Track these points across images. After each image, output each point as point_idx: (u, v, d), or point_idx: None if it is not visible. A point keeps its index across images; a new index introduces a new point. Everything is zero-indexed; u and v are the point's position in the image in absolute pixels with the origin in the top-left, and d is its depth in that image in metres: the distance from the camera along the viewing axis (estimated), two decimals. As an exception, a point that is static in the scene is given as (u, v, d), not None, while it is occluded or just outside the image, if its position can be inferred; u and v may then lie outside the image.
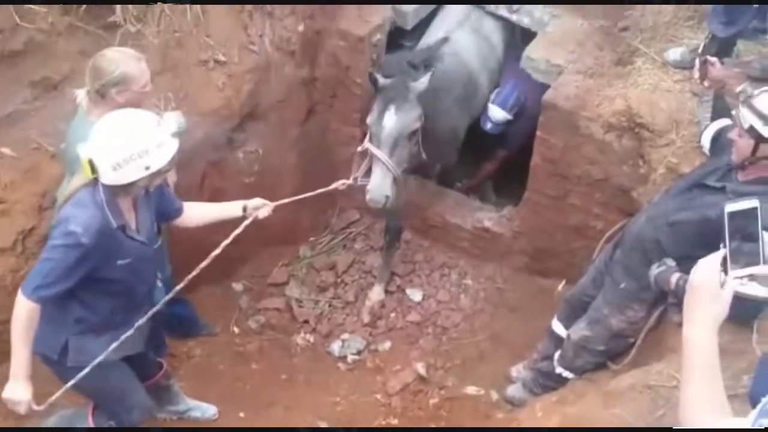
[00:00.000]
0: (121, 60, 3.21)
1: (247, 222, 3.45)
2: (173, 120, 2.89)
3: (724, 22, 3.89)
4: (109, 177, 2.78)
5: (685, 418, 1.69)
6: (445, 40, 4.42)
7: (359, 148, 4.02)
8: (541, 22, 4.84)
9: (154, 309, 3.23)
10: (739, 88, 3.14)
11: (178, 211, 3.34)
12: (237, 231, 3.41)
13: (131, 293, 3.14)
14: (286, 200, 3.65)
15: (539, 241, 4.88)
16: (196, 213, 3.42)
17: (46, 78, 3.91)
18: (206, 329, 4.70)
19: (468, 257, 5.23)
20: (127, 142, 2.76)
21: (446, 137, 4.54)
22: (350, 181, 3.89)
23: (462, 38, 4.67)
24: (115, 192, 2.86)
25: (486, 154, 5.43)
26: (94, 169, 2.76)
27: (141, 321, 3.17)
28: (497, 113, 4.85)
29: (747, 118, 2.92)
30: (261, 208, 3.45)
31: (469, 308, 5.00)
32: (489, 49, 4.88)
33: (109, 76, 3.16)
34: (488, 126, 4.94)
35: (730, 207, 1.70)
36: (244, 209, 3.44)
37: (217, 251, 3.34)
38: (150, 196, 3.09)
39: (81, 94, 3.30)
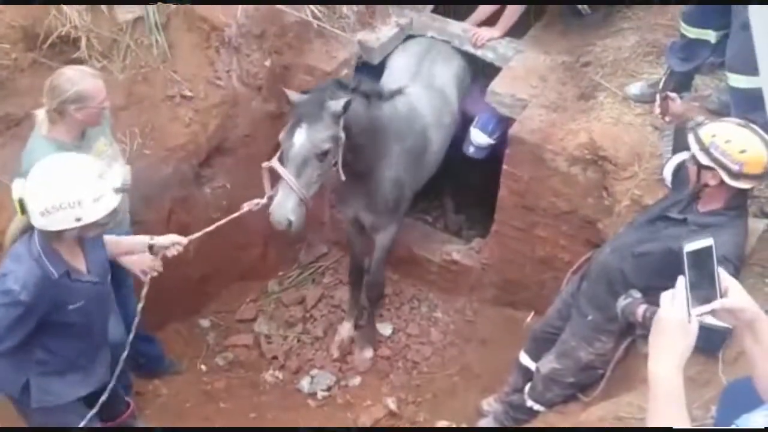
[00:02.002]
0: (77, 78, 3.27)
1: (147, 277, 3.33)
2: (119, 175, 2.81)
3: (681, 57, 3.99)
4: (37, 221, 2.70)
5: None
6: (400, 90, 4.21)
7: (264, 164, 3.70)
8: (504, 57, 4.92)
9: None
10: (698, 120, 3.23)
11: None
12: (149, 278, 3.32)
13: (89, 332, 3.08)
14: (200, 233, 3.50)
15: (508, 273, 4.90)
16: (110, 244, 3.28)
17: (8, 114, 3.89)
18: (173, 367, 4.62)
19: (437, 290, 5.24)
20: (61, 190, 2.67)
21: (389, 187, 4.25)
22: (264, 201, 3.66)
23: (415, 92, 4.50)
24: (48, 237, 2.77)
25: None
26: (23, 210, 2.69)
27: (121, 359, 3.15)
28: (479, 137, 4.81)
29: (691, 144, 3.06)
30: (170, 245, 3.32)
31: (440, 342, 4.99)
32: (443, 104, 4.69)
33: (66, 93, 3.22)
34: (471, 150, 4.87)
35: (688, 247, 1.74)
36: (151, 247, 3.32)
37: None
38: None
39: (41, 114, 3.33)
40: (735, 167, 2.95)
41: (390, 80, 4.66)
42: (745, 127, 3.03)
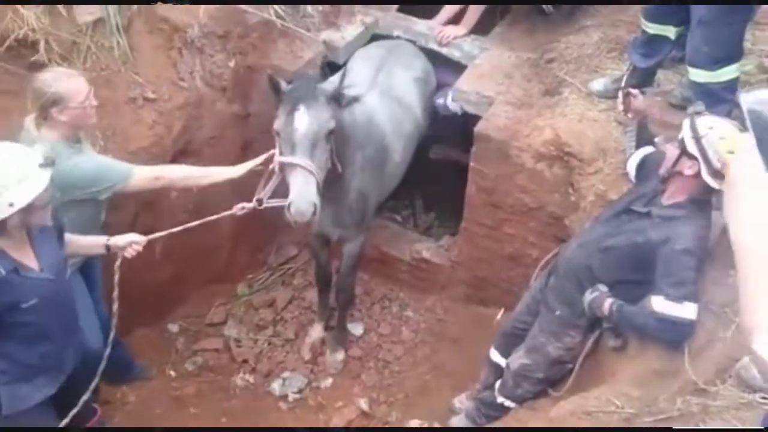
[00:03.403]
0: (53, 79, 3.27)
1: (117, 263, 3.31)
2: (41, 150, 2.77)
3: (643, 53, 4.04)
4: None
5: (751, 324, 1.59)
6: (356, 99, 3.98)
7: (272, 166, 3.55)
8: (470, 54, 4.94)
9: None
10: (693, 107, 3.23)
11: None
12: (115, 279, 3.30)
13: (49, 334, 3.00)
14: (164, 233, 3.44)
15: (477, 271, 4.92)
16: (66, 244, 3.24)
17: (-35, 118, 3.78)
18: (141, 373, 4.55)
19: (408, 289, 5.24)
20: None
21: (354, 197, 4.14)
22: (252, 204, 3.53)
23: (372, 101, 4.33)
24: None
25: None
26: None
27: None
28: (453, 105, 4.74)
29: (684, 128, 3.09)
30: (126, 245, 3.29)
31: (411, 340, 4.98)
32: (403, 112, 4.54)
33: (45, 96, 3.22)
34: (448, 106, 4.75)
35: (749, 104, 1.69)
36: (107, 248, 3.29)
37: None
38: (52, 229, 2.97)
39: (29, 120, 3.32)
40: (717, 164, 2.98)
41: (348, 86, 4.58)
42: (741, 132, 3.06)
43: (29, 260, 2.87)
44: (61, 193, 3.28)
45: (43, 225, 2.89)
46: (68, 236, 3.17)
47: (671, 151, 3.15)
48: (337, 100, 3.61)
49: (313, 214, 3.43)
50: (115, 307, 3.37)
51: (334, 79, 4.15)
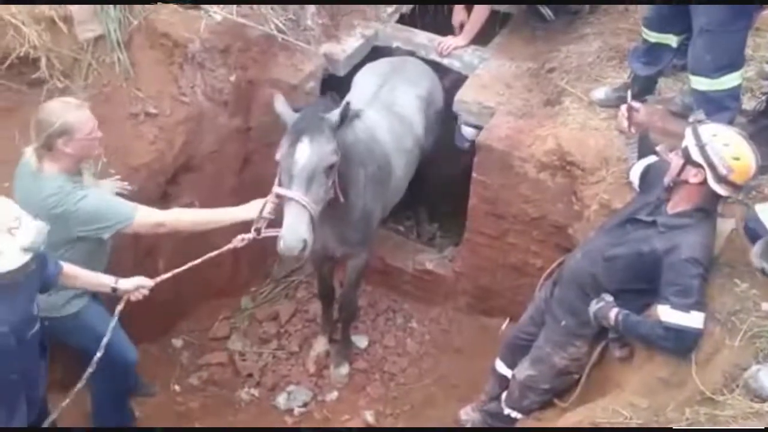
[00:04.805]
0: (61, 110, 3.21)
1: (119, 307, 3.32)
2: (33, 232, 2.65)
3: (644, 61, 4.04)
4: None
5: None
6: (357, 115, 3.97)
7: (275, 190, 3.53)
8: (470, 65, 4.94)
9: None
10: (694, 116, 3.23)
11: (53, 277, 3.13)
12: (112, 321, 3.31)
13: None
14: (169, 274, 3.45)
15: (481, 281, 4.90)
16: (70, 278, 3.21)
17: (-34, 138, 3.78)
18: (145, 389, 4.53)
19: (412, 300, 5.23)
20: None
21: (358, 216, 4.09)
22: (251, 235, 3.52)
23: (373, 117, 4.32)
24: None
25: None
26: None
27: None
28: (469, 131, 4.71)
29: (687, 136, 3.07)
30: (134, 289, 3.28)
31: (416, 352, 4.97)
32: (404, 129, 4.52)
33: (52, 127, 3.15)
34: (466, 145, 4.76)
35: None
36: (114, 289, 3.26)
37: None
38: (25, 283, 2.82)
39: (29, 152, 3.27)
40: (723, 171, 2.97)
41: (351, 99, 4.50)
42: (744, 138, 3.05)
43: None
44: (65, 230, 3.28)
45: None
46: (74, 270, 3.12)
47: (675, 161, 3.14)
48: (343, 119, 3.56)
49: (302, 251, 3.41)
50: (112, 324, 3.37)
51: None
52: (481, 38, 5.09)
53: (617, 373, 3.32)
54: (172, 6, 4.32)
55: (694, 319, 2.97)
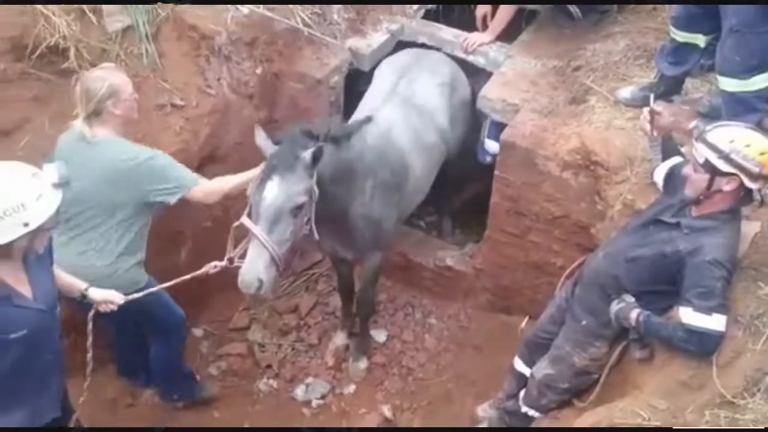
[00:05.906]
0: (105, 74, 3.42)
1: (91, 313, 3.27)
2: (53, 170, 2.63)
3: (671, 61, 4.00)
4: None
5: None
6: (368, 120, 3.96)
7: (234, 224, 3.48)
8: (495, 62, 4.93)
9: None
10: (691, 125, 3.22)
11: None
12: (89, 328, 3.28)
13: (32, 369, 2.83)
14: (142, 293, 3.45)
15: (501, 279, 4.89)
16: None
17: (-3, 125, 3.85)
18: (205, 392, 4.57)
19: (431, 296, 5.23)
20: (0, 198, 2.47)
21: (363, 226, 4.03)
22: (224, 263, 3.50)
23: (389, 115, 4.23)
24: None
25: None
26: None
27: None
28: (493, 146, 4.72)
29: (702, 152, 3.00)
30: (102, 301, 3.23)
31: (434, 348, 4.97)
32: (423, 121, 4.41)
33: (101, 91, 3.34)
34: (488, 159, 4.81)
35: None
36: (84, 296, 3.20)
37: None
38: (46, 257, 2.84)
39: (78, 123, 3.40)
40: (756, 169, 2.94)
41: (369, 95, 4.53)
42: (753, 130, 3.03)
43: (24, 288, 2.73)
44: (133, 191, 3.40)
45: (38, 252, 2.75)
46: (55, 270, 3.04)
47: (697, 177, 3.05)
48: (315, 159, 3.43)
49: (258, 288, 3.40)
50: (89, 356, 3.32)
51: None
52: (507, 35, 5.07)
53: (637, 375, 3.30)
54: (200, -2, 4.36)
55: (716, 322, 2.95)
